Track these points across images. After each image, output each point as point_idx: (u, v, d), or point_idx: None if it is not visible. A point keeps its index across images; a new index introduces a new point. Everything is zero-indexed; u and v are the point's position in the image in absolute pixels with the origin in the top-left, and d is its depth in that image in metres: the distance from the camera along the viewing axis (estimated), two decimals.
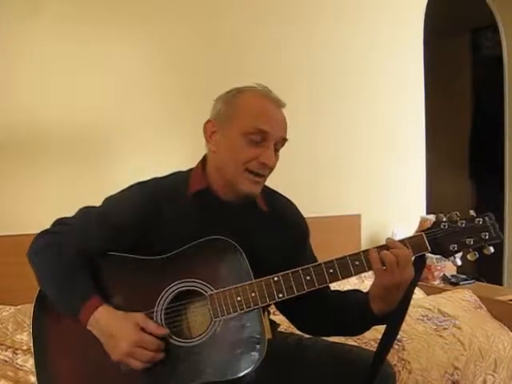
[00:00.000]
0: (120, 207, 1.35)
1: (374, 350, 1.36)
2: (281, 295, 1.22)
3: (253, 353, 1.20)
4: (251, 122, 1.29)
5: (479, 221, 1.21)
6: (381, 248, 1.25)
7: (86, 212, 1.39)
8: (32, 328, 1.31)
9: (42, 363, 1.29)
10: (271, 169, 1.34)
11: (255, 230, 1.39)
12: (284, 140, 1.35)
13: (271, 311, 1.47)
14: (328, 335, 1.51)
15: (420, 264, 1.28)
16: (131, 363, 1.20)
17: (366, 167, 3.47)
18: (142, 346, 1.20)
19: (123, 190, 1.40)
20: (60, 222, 1.37)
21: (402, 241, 1.25)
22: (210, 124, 1.37)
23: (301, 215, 1.53)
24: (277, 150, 1.35)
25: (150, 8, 2.70)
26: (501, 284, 3.94)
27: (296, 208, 1.53)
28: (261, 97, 1.34)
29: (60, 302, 1.28)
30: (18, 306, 2.13)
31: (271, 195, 1.48)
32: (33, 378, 1.43)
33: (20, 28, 2.37)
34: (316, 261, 1.48)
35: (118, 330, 1.21)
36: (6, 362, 1.79)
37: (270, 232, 1.41)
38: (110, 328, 1.21)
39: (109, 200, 1.39)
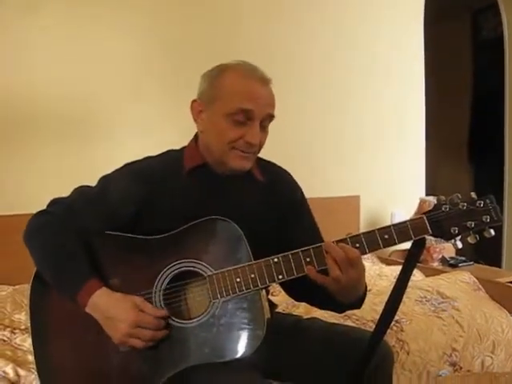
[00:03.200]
0: (116, 186, 1.34)
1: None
2: (280, 276, 1.21)
3: (252, 334, 1.20)
4: (234, 103, 1.28)
5: (480, 203, 1.19)
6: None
7: (81, 191, 1.37)
8: (29, 307, 1.31)
9: (40, 342, 1.29)
10: (259, 146, 1.34)
11: (253, 200, 1.40)
12: (271, 116, 1.33)
13: (270, 291, 1.47)
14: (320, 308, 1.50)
15: (419, 246, 1.26)
16: (133, 343, 1.20)
17: (366, 148, 3.46)
18: (141, 326, 1.19)
19: (118, 169, 1.39)
20: (55, 202, 1.35)
21: (403, 223, 1.21)
22: (196, 103, 1.36)
23: (296, 183, 1.53)
24: (264, 127, 1.33)
25: None
26: (499, 266, 3.95)
27: (291, 176, 1.53)
28: (243, 76, 1.31)
29: (57, 284, 1.27)
30: (17, 286, 2.14)
31: (266, 165, 1.48)
32: (31, 358, 1.43)
33: (23, 9, 2.38)
34: (317, 229, 1.49)
35: (116, 312, 1.20)
36: (5, 341, 1.81)
37: (268, 201, 1.42)
38: (108, 311, 1.21)
39: (104, 179, 1.38)
